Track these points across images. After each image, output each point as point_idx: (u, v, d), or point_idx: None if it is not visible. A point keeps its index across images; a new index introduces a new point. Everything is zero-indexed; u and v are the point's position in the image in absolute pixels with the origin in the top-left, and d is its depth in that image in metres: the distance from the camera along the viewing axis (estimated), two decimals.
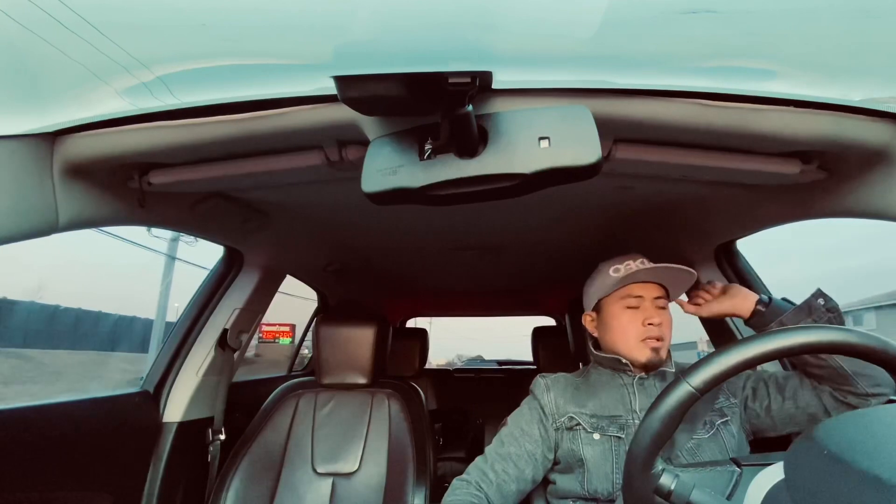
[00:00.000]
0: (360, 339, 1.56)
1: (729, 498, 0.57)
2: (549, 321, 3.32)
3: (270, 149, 0.85)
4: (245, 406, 1.61)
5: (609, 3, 0.50)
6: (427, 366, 3.11)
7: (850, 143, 0.72)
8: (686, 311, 1.08)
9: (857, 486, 0.41)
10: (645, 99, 0.69)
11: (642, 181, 0.98)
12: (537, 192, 0.67)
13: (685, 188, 1.04)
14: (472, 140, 0.64)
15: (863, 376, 0.85)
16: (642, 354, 1.00)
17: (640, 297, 1.02)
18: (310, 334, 2.28)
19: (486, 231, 1.52)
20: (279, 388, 1.60)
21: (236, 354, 1.58)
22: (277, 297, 1.78)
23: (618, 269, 1.03)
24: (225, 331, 1.49)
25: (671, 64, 0.62)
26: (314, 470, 1.45)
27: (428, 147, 0.66)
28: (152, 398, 1.37)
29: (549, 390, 1.05)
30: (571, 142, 0.62)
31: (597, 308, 1.09)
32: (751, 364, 0.57)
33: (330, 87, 0.59)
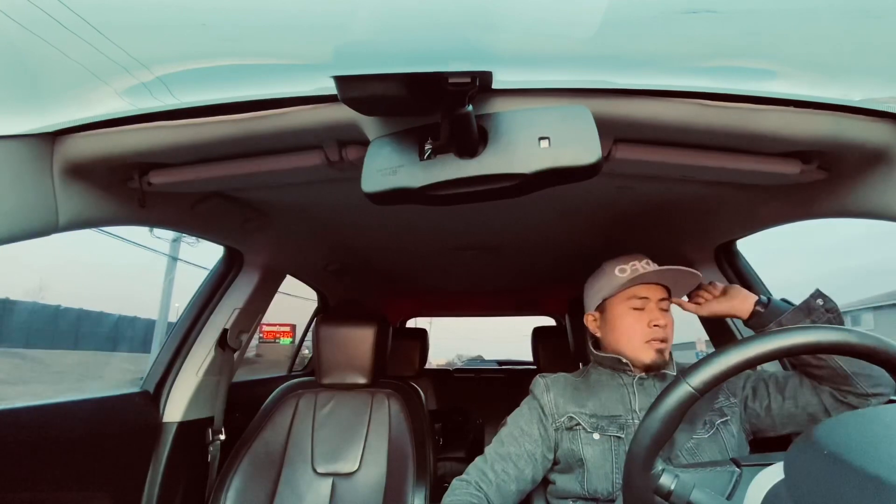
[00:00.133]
0: (360, 339, 1.56)
1: (729, 498, 0.57)
2: (549, 321, 3.31)
3: (270, 149, 0.85)
4: (245, 406, 1.61)
5: (609, 3, 0.50)
6: (427, 366, 3.11)
7: (850, 143, 0.72)
8: (686, 310, 1.08)
9: (857, 486, 0.41)
10: (645, 99, 0.69)
11: (642, 181, 0.98)
12: (537, 192, 0.67)
13: (685, 188, 1.04)
14: (472, 140, 0.64)
15: (863, 376, 0.85)
16: (647, 356, 1.00)
17: (645, 298, 1.02)
18: (310, 334, 2.28)
19: (486, 231, 1.52)
20: (279, 388, 1.60)
21: (236, 354, 1.58)
22: (277, 296, 1.79)
23: (624, 270, 1.03)
24: (225, 331, 1.49)
25: (671, 64, 0.62)
26: (314, 470, 1.45)
27: (428, 147, 0.66)
28: (152, 398, 1.37)
29: (549, 390, 1.05)
30: (571, 142, 0.62)
31: (600, 308, 1.09)
32: (750, 364, 0.57)
33: (330, 87, 0.59)
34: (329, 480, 1.43)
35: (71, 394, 1.17)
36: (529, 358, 2.86)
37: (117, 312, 18.12)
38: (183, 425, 1.38)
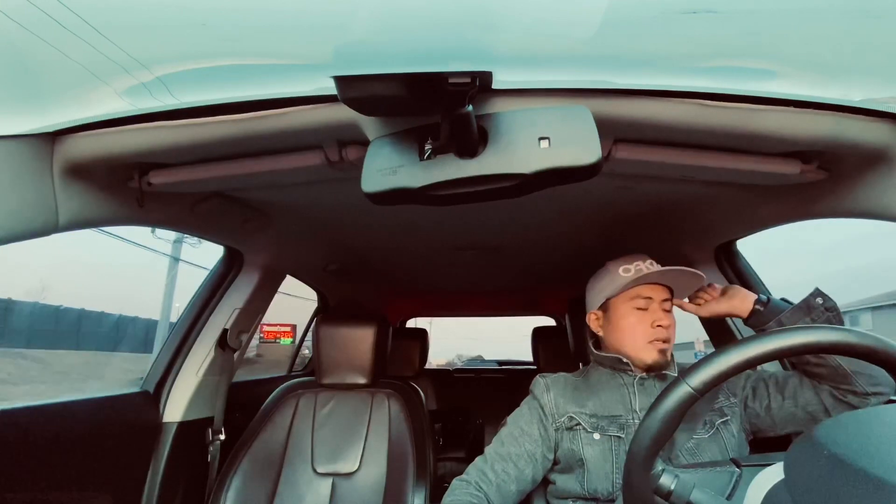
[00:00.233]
0: (360, 339, 1.56)
1: (729, 498, 0.57)
2: (549, 321, 3.31)
3: (270, 149, 0.85)
4: (245, 406, 1.61)
5: (609, 3, 0.50)
6: (427, 366, 3.11)
7: (850, 143, 0.72)
8: (686, 311, 1.09)
9: (857, 486, 0.41)
10: (645, 99, 0.69)
11: (642, 181, 0.98)
12: (537, 192, 0.67)
13: (685, 188, 1.04)
14: (472, 140, 0.64)
15: (862, 375, 0.85)
16: (649, 356, 1.00)
17: (649, 298, 1.02)
18: (310, 334, 2.28)
19: (486, 231, 1.52)
20: (279, 388, 1.60)
21: (236, 354, 1.58)
22: (277, 297, 1.79)
23: (628, 270, 1.03)
24: (225, 331, 1.49)
25: (671, 64, 0.62)
26: (314, 470, 1.45)
27: (428, 147, 0.66)
28: (152, 398, 1.37)
29: (549, 390, 1.05)
30: (571, 142, 0.62)
31: (603, 307, 1.09)
32: (750, 364, 0.57)
33: (330, 87, 0.59)
34: (329, 480, 1.43)
35: (73, 393, 1.17)
36: (529, 358, 2.86)
37: (118, 312, 18.15)
38: (183, 425, 1.38)
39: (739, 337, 1.35)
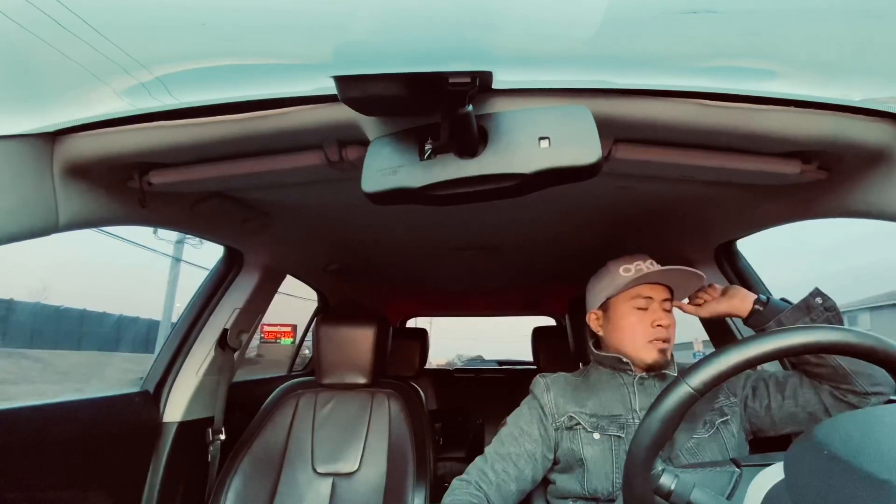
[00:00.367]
0: (360, 339, 1.56)
1: (729, 498, 0.57)
2: (549, 321, 3.31)
3: (271, 149, 0.85)
4: (245, 406, 1.61)
5: (609, 3, 0.50)
6: (427, 366, 3.11)
7: (850, 143, 0.72)
8: (685, 311, 1.09)
9: (857, 486, 0.41)
10: (645, 99, 0.69)
11: (642, 181, 0.98)
12: (537, 192, 0.67)
13: (685, 188, 1.04)
14: (472, 140, 0.64)
15: (862, 375, 0.85)
16: (649, 356, 1.00)
17: (649, 298, 1.02)
18: (310, 334, 2.28)
19: (486, 231, 1.52)
20: (279, 388, 1.60)
21: (236, 354, 1.58)
22: (277, 297, 1.79)
23: (628, 269, 1.03)
24: (225, 331, 1.49)
25: (671, 64, 0.62)
26: (314, 470, 1.45)
27: (428, 147, 0.66)
28: (152, 398, 1.37)
29: (549, 390, 1.05)
30: (571, 142, 0.62)
31: (603, 307, 1.09)
32: (750, 364, 0.57)
33: (330, 87, 0.59)
34: (329, 480, 1.43)
35: (76, 393, 1.17)
36: (529, 358, 2.86)
37: (119, 313, 18.15)
38: (183, 425, 1.38)
39: (739, 337, 1.35)
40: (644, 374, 1.02)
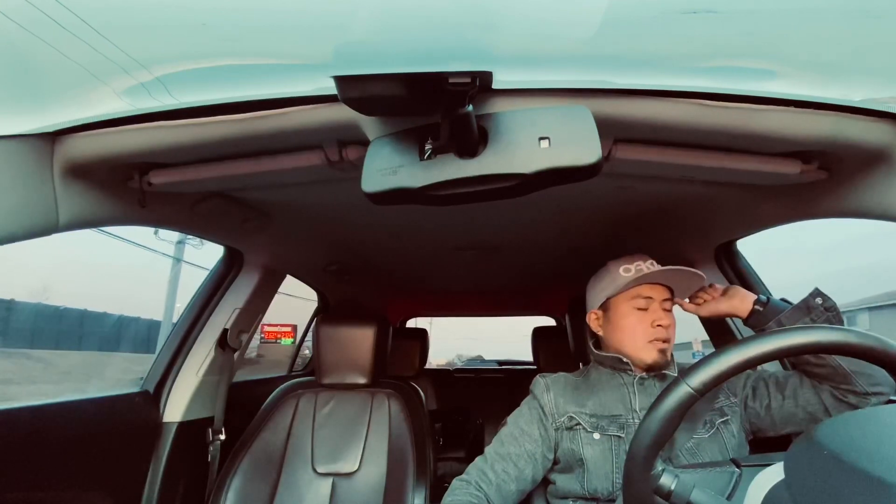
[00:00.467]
0: (360, 339, 1.56)
1: (729, 498, 0.57)
2: (549, 321, 3.31)
3: (271, 149, 0.85)
4: (245, 406, 1.61)
5: (609, 3, 0.50)
6: (427, 366, 3.11)
7: (850, 144, 0.72)
8: (686, 310, 1.09)
9: (857, 486, 0.41)
10: (645, 99, 0.69)
11: (642, 181, 0.98)
12: (537, 192, 0.67)
13: (685, 188, 1.04)
14: (472, 140, 0.64)
15: (862, 375, 0.85)
16: (649, 356, 1.00)
17: (649, 297, 1.02)
18: (310, 334, 2.28)
19: (486, 231, 1.52)
20: (279, 388, 1.60)
21: (236, 354, 1.58)
22: (277, 297, 1.79)
23: (628, 269, 1.03)
24: (225, 331, 1.49)
25: (671, 64, 0.62)
26: (314, 470, 1.45)
27: (428, 147, 0.66)
28: (152, 398, 1.37)
29: (549, 390, 1.05)
30: (571, 142, 0.62)
31: (603, 307, 1.09)
32: (750, 364, 0.57)
33: (330, 87, 0.59)
34: (329, 480, 1.43)
35: (78, 392, 1.17)
36: (529, 358, 2.86)
37: (119, 313, 18.16)
38: (183, 425, 1.38)
39: (739, 337, 1.35)
40: (644, 374, 1.02)
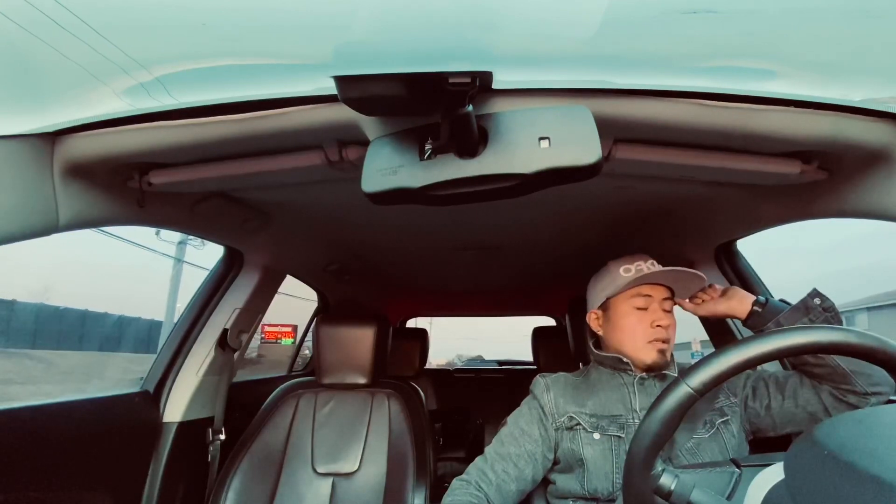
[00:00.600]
0: (360, 339, 1.56)
1: (729, 498, 0.57)
2: (549, 321, 3.31)
3: (271, 149, 0.85)
4: (245, 406, 1.61)
5: (609, 3, 0.50)
6: (427, 366, 3.11)
7: (850, 144, 0.72)
8: (685, 309, 1.09)
9: (857, 486, 0.41)
10: (645, 99, 0.69)
11: (642, 181, 0.98)
12: (537, 192, 0.67)
13: (685, 188, 1.04)
14: (472, 140, 0.64)
15: (862, 375, 0.85)
16: (648, 356, 1.00)
17: (649, 297, 1.02)
18: (310, 334, 2.28)
19: (486, 231, 1.52)
20: (279, 388, 1.60)
21: (236, 354, 1.58)
22: (277, 297, 1.79)
23: (629, 269, 1.03)
24: (225, 331, 1.49)
25: (671, 64, 0.62)
26: (314, 470, 1.45)
27: (428, 147, 0.66)
28: (152, 398, 1.37)
29: (549, 390, 1.05)
30: (571, 142, 0.62)
31: (603, 306, 1.09)
32: (749, 365, 0.57)
33: (330, 87, 0.59)
34: (329, 480, 1.43)
35: (78, 392, 1.17)
36: (529, 358, 2.86)
37: (120, 313, 18.15)
38: (183, 425, 1.38)
39: (739, 337, 1.35)
40: (644, 374, 1.02)
